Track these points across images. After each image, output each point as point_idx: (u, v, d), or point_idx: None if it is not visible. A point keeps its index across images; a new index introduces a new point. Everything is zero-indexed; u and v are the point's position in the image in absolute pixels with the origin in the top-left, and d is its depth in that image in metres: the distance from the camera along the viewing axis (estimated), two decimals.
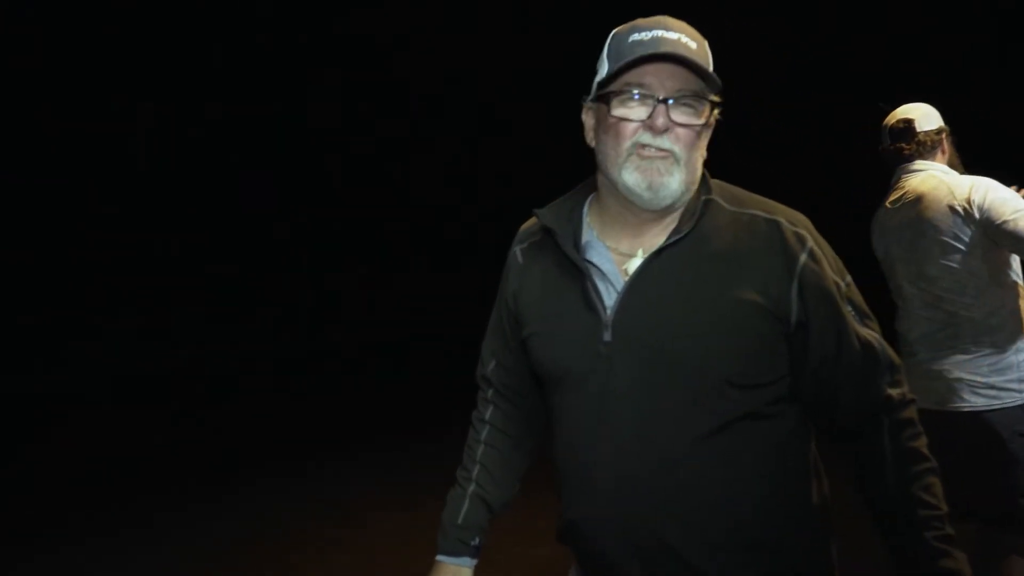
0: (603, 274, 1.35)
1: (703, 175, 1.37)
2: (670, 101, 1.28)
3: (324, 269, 11.64)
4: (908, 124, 2.71)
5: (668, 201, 1.31)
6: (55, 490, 5.12)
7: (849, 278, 1.34)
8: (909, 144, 2.69)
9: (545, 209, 1.44)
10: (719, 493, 1.28)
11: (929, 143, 2.68)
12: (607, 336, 1.31)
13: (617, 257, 1.36)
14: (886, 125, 2.78)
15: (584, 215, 1.43)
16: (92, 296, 9.39)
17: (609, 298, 1.33)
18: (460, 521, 1.57)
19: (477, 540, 1.57)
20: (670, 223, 1.34)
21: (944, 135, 2.71)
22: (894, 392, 1.32)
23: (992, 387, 2.47)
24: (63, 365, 8.19)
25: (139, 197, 10.19)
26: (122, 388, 8.06)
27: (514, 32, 12.22)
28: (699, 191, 1.35)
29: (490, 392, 1.63)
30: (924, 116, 2.71)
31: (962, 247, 2.50)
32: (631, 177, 1.30)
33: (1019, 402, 2.46)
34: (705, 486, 1.28)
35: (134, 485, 5.18)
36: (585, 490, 1.35)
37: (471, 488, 1.59)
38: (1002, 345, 2.49)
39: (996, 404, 2.45)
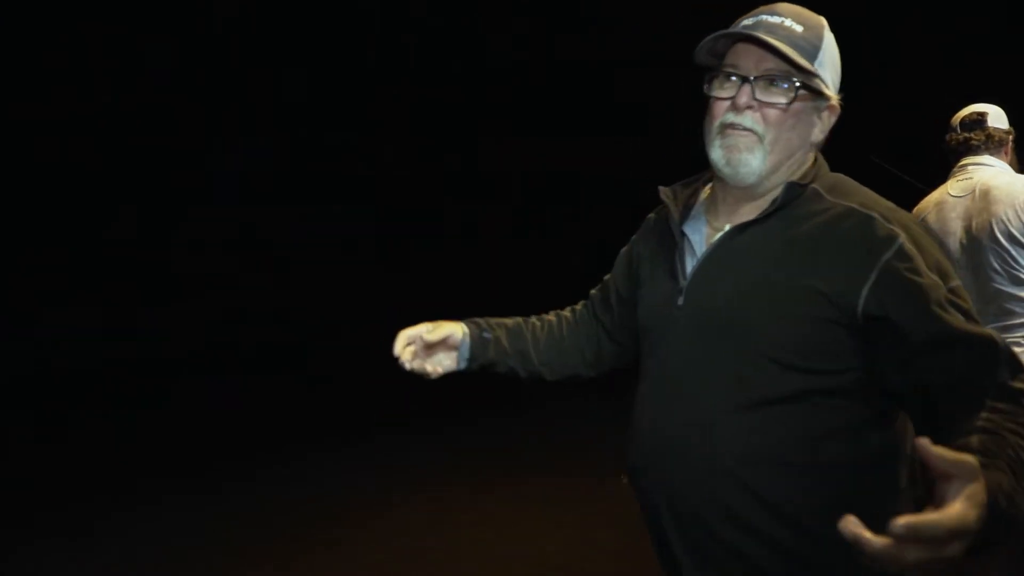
0: (691, 245, 1.44)
1: (816, 163, 1.41)
2: (753, 80, 1.33)
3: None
4: (981, 117, 2.85)
5: (750, 178, 1.36)
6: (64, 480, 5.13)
7: (955, 283, 1.27)
8: (979, 134, 2.82)
9: (670, 186, 1.54)
10: (746, 471, 1.29)
11: (998, 138, 2.82)
12: (680, 301, 1.40)
13: (709, 231, 1.44)
14: (956, 119, 2.90)
15: (700, 193, 1.52)
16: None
17: (690, 266, 1.42)
18: (492, 320, 1.76)
19: (489, 335, 1.72)
20: (763, 203, 1.38)
21: (1012, 137, 2.86)
22: (1018, 385, 1.17)
23: None
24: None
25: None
26: (102, 375, 8.06)
27: None
28: (803, 176, 1.38)
29: (585, 302, 1.83)
30: (997, 115, 2.87)
31: None
32: (716, 154, 1.37)
33: None
34: (734, 460, 1.30)
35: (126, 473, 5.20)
36: (637, 442, 1.46)
37: (520, 319, 1.80)
38: None
39: None
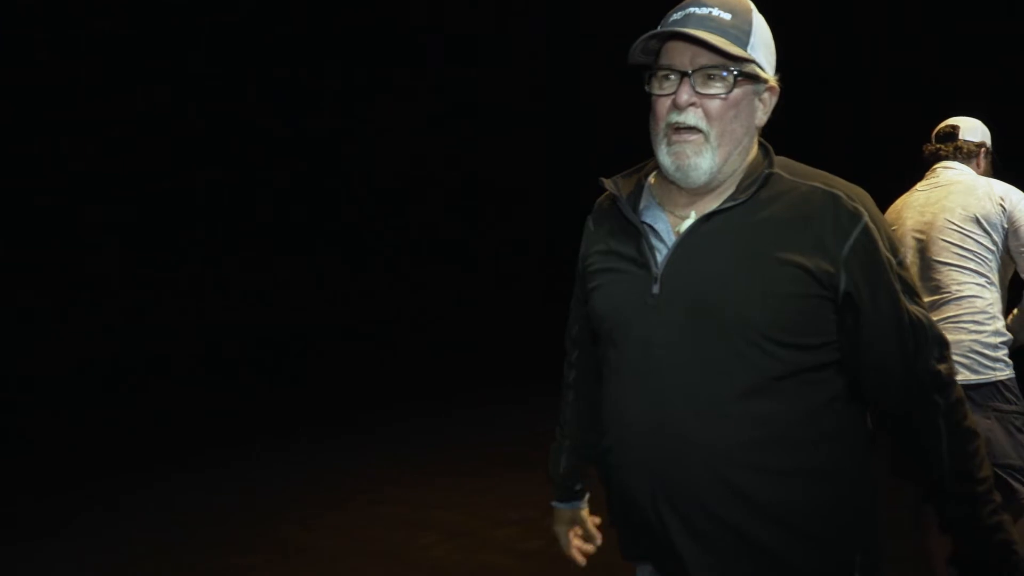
0: (657, 233, 1.42)
1: (765, 149, 1.43)
2: (691, 75, 1.33)
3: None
4: (953, 130, 3.00)
5: (702, 180, 1.37)
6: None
7: (902, 256, 1.38)
8: (948, 146, 2.96)
9: (611, 178, 1.52)
10: (752, 449, 1.33)
11: (966, 150, 2.95)
12: (655, 289, 1.38)
13: (672, 219, 1.43)
14: (935, 130, 3.05)
15: (647, 183, 1.50)
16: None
17: (661, 254, 1.40)
18: (562, 471, 1.77)
19: (580, 485, 1.79)
20: (726, 190, 1.40)
21: (983, 150, 2.98)
22: (942, 368, 1.36)
23: (975, 362, 2.69)
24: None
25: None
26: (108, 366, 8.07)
27: None
28: (761, 163, 1.40)
29: (574, 355, 1.75)
30: (969, 128, 3.00)
31: (980, 232, 2.74)
32: (665, 159, 1.38)
33: (994, 379, 2.69)
34: (741, 440, 1.33)
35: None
36: (624, 436, 1.43)
37: (565, 443, 1.78)
38: (986, 325, 2.71)
39: (974, 379, 2.65)
